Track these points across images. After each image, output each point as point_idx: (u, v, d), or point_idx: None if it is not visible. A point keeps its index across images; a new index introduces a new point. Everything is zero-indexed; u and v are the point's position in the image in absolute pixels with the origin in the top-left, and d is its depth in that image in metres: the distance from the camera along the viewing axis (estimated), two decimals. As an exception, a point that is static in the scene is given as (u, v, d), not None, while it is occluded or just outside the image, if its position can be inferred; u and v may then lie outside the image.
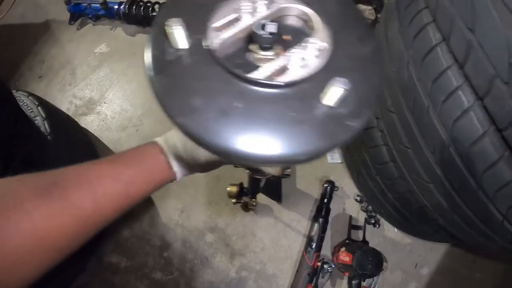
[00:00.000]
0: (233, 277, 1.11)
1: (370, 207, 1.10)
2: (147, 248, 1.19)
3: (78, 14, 1.82)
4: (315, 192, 1.17)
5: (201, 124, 0.26)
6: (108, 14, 1.68)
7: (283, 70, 0.29)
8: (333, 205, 1.09)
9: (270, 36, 0.30)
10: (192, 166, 0.41)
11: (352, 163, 1.12)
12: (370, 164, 0.86)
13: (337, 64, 0.30)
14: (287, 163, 0.33)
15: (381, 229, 1.11)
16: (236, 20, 0.32)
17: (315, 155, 0.28)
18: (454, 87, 0.48)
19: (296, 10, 0.34)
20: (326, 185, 1.08)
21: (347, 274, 1.01)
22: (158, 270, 1.16)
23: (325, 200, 1.07)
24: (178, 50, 0.29)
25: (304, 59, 0.30)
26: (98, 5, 1.64)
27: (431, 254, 1.08)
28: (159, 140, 0.41)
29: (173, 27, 0.28)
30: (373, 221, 1.09)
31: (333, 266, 1.01)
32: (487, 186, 0.51)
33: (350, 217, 1.09)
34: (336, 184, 1.11)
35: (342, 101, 0.27)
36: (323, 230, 1.03)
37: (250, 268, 1.11)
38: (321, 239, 1.02)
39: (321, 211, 1.05)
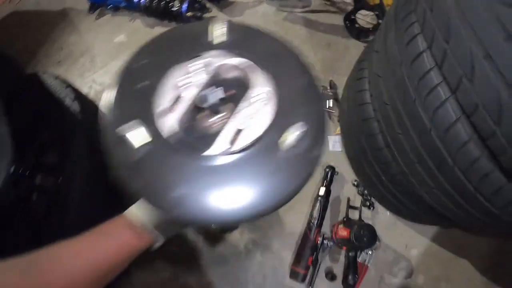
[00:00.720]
0: (241, 250, 1.22)
1: (366, 191, 1.22)
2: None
3: (98, 5, 1.87)
4: (317, 177, 1.27)
5: (194, 208, 0.28)
6: (129, 6, 1.75)
7: (239, 131, 0.30)
8: (332, 189, 1.20)
9: (218, 101, 0.31)
10: (169, 229, 0.46)
11: (351, 151, 1.24)
12: (367, 150, 0.99)
13: (284, 105, 0.31)
14: (275, 210, 0.34)
15: (375, 211, 1.22)
16: (179, 95, 0.32)
17: (294, 194, 0.30)
18: (435, 84, 0.61)
19: (232, 66, 0.34)
20: (327, 169, 1.20)
21: (344, 248, 1.12)
22: (174, 245, 1.25)
23: (326, 183, 1.19)
24: (138, 148, 0.30)
25: (253, 112, 0.30)
26: (121, -3, 1.69)
27: (420, 236, 1.19)
28: (128, 214, 0.44)
29: (132, 130, 0.29)
30: (368, 204, 1.21)
31: (332, 242, 1.12)
32: (460, 162, 0.64)
33: (348, 198, 1.21)
34: (336, 169, 1.22)
35: (300, 139, 0.30)
36: (324, 208, 1.15)
37: (257, 242, 1.23)
38: (322, 217, 1.14)
39: (323, 192, 1.17)
